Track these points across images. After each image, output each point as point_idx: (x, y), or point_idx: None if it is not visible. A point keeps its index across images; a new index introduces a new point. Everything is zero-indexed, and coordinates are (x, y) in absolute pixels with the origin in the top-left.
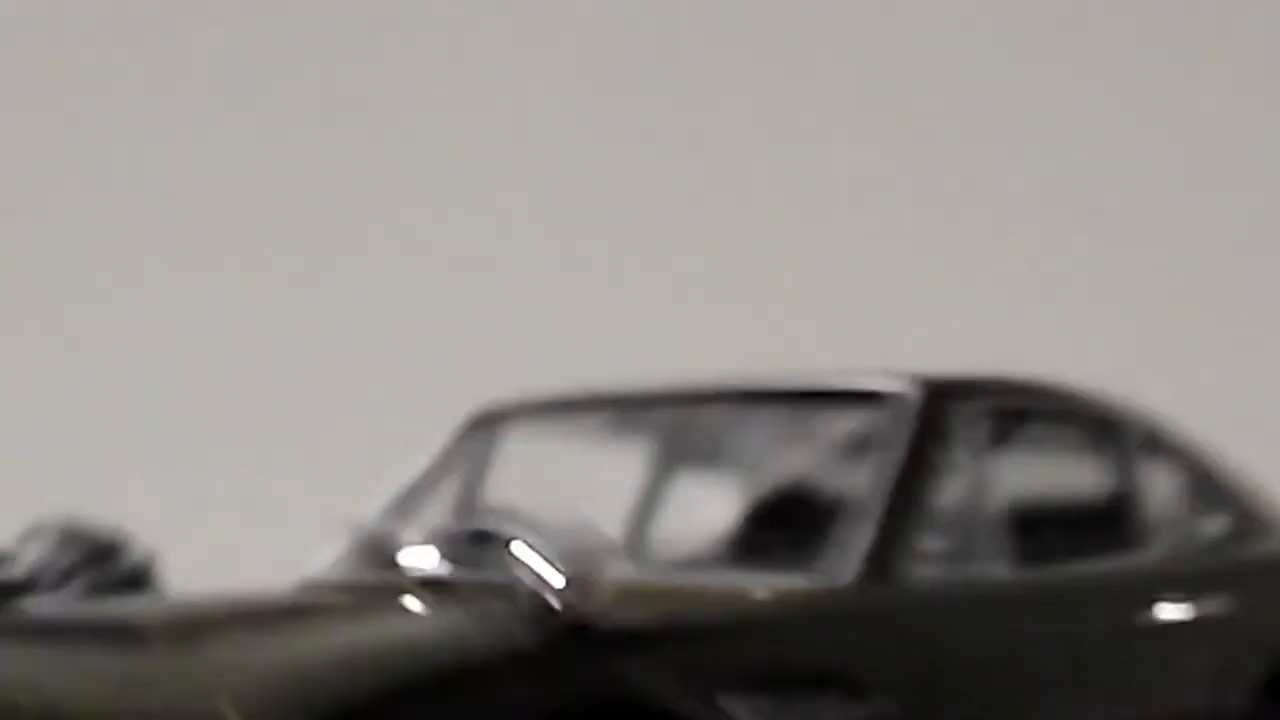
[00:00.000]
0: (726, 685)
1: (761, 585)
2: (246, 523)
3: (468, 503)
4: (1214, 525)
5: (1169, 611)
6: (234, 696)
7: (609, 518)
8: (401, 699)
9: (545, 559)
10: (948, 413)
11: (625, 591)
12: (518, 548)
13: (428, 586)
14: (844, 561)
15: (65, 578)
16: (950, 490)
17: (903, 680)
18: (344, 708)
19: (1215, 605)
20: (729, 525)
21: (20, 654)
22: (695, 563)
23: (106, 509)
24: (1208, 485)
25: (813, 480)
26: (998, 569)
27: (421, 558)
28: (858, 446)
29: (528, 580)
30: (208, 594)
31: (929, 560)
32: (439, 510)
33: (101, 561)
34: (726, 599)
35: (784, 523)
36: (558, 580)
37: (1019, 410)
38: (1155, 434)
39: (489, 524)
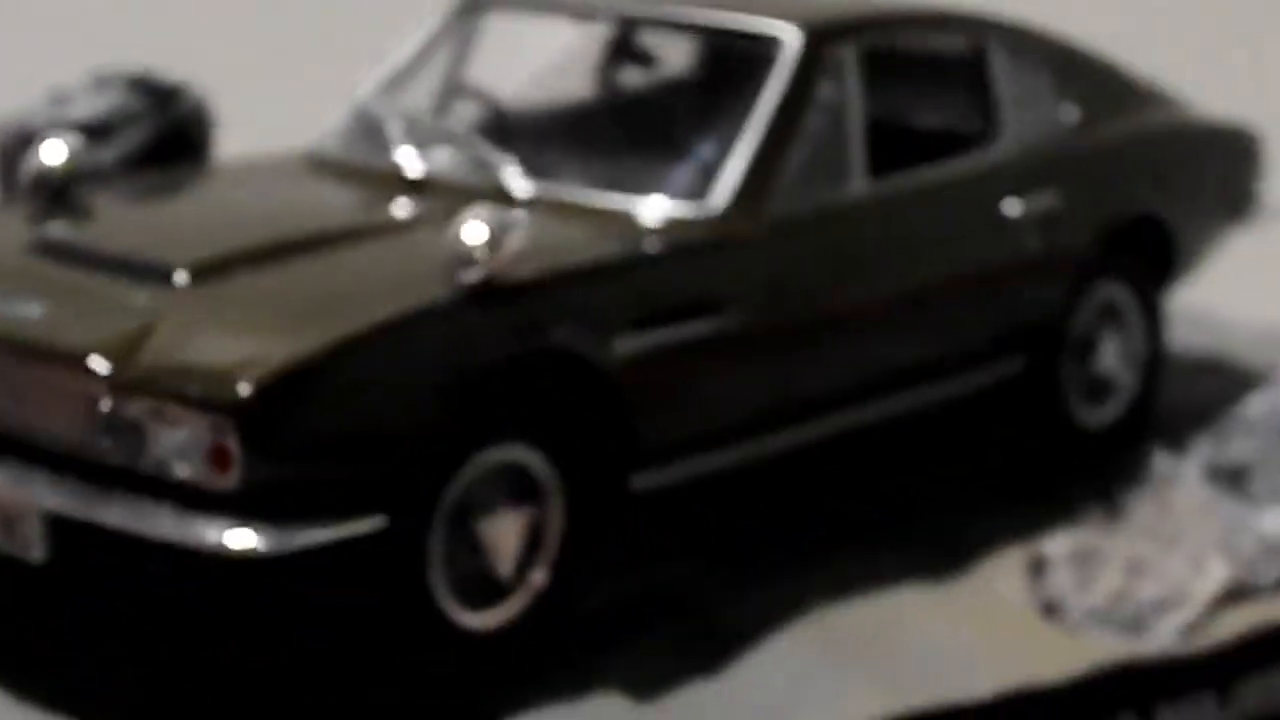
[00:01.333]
0: (615, 324)
1: (647, 214)
2: (277, 83)
3: (452, 84)
4: (1066, 115)
5: (1005, 204)
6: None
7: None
8: (345, 353)
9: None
10: (826, 56)
11: (536, 208)
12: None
13: (412, 187)
14: (718, 190)
15: (133, 121)
16: (820, 119)
17: (753, 295)
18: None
19: (1049, 194)
20: (621, 140)
21: (59, 275)
22: (589, 177)
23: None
24: (1064, 80)
25: (697, 109)
26: (855, 185)
27: (406, 153)
28: (742, 80)
29: (453, 245)
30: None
31: (793, 186)
32: (425, 88)
33: (164, 107)
34: (617, 231)
35: (667, 143)
36: (477, 242)
37: (894, 47)
38: (1020, 39)
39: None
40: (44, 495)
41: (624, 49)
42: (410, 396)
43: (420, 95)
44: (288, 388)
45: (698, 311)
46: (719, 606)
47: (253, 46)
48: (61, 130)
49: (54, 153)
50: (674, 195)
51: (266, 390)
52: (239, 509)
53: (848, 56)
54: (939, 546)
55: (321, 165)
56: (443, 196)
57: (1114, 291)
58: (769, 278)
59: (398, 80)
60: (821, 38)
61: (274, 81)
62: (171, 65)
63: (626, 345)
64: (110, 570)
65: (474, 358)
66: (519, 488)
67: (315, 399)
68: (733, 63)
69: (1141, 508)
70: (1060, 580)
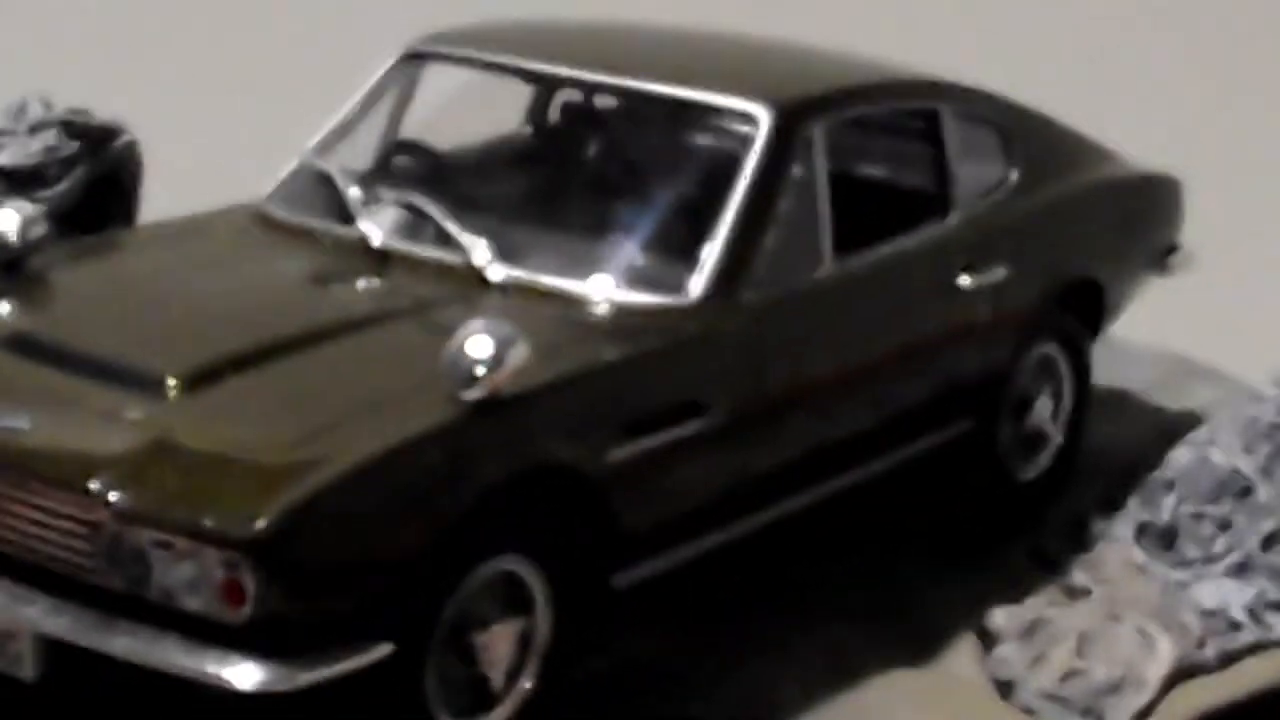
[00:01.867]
0: (606, 433)
1: (624, 303)
2: (214, 127)
3: (388, 138)
4: (1009, 177)
5: (959, 278)
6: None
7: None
8: (356, 481)
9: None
10: (800, 133)
11: (519, 291)
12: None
13: (376, 259)
14: (696, 280)
15: (67, 167)
16: (790, 200)
17: (734, 390)
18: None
19: (999, 266)
20: (592, 221)
21: (38, 379)
22: (564, 262)
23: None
24: (1006, 140)
25: (666, 187)
26: (823, 266)
27: (366, 217)
28: (714, 160)
29: (453, 360)
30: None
31: (766, 271)
32: (364, 145)
33: (98, 150)
34: (599, 328)
35: (639, 225)
36: (479, 358)
37: (860, 118)
38: (967, 100)
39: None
40: (40, 619)
41: (582, 115)
42: (416, 520)
43: (366, 151)
44: (301, 520)
45: (684, 413)
46: (693, 691)
47: (161, 84)
48: (17, 200)
49: (7, 222)
50: (650, 283)
51: (281, 525)
52: (247, 641)
53: (817, 134)
54: (896, 620)
55: (276, 228)
56: (415, 275)
57: (1049, 349)
58: (748, 370)
59: (342, 134)
60: (793, 116)
61: (184, 121)
62: (77, 97)
63: (616, 453)
64: (106, 693)
65: (476, 477)
66: (508, 596)
67: (327, 529)
68: (703, 140)
69: (1078, 570)
70: (1011, 658)
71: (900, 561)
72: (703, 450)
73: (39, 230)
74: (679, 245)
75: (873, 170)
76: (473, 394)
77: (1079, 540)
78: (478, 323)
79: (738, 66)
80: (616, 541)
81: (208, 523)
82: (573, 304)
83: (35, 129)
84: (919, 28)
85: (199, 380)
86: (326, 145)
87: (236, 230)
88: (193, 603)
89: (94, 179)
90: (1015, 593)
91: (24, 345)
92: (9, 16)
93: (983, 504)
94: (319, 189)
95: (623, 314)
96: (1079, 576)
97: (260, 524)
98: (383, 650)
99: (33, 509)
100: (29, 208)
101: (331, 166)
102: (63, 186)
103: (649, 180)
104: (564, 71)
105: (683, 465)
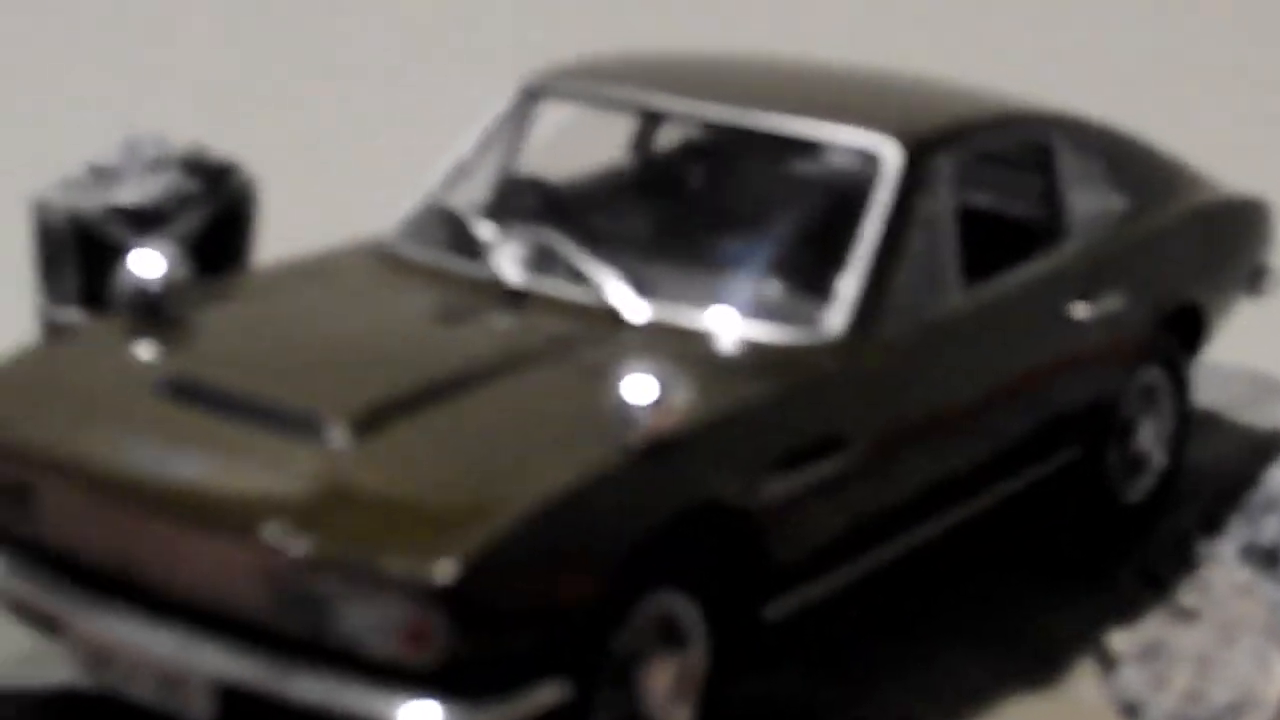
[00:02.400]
0: (760, 470)
1: (766, 344)
2: (331, 166)
3: (506, 174)
4: (1117, 205)
5: (1075, 305)
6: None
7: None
8: (537, 524)
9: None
10: (929, 166)
11: (656, 329)
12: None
13: (509, 297)
14: (833, 316)
15: (188, 205)
16: (920, 232)
17: (874, 423)
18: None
19: (1115, 294)
20: (723, 257)
21: (198, 423)
22: (699, 299)
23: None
24: (1112, 169)
25: (796, 223)
26: (952, 295)
27: (501, 256)
28: (843, 193)
29: (618, 402)
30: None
31: (901, 304)
32: (484, 181)
33: (217, 188)
34: (745, 367)
35: (772, 261)
36: (644, 400)
37: (984, 149)
38: (1077, 130)
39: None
40: (218, 663)
41: (701, 149)
42: (589, 560)
43: (484, 187)
44: (488, 564)
45: (828, 448)
46: (834, 716)
47: (264, 120)
48: (160, 241)
49: (149, 266)
50: (788, 320)
51: (469, 569)
52: (427, 684)
53: (944, 166)
54: (1015, 645)
55: (405, 267)
56: (550, 313)
57: (1153, 374)
58: (885, 404)
59: (464, 170)
60: (923, 149)
61: (286, 157)
62: (187, 135)
63: (769, 489)
64: None
65: (643, 515)
66: (665, 632)
67: (510, 571)
68: (829, 174)
69: (1186, 592)
70: (1134, 681)
71: (1012, 586)
72: (844, 484)
73: (182, 273)
74: (813, 280)
75: (988, 200)
76: (638, 435)
77: (1185, 561)
78: (640, 364)
79: (859, 99)
80: (768, 575)
81: (395, 568)
82: (711, 341)
83: (154, 167)
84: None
85: (365, 424)
86: (449, 182)
87: (366, 269)
88: (376, 648)
89: (215, 217)
90: (1127, 614)
91: (180, 389)
92: (106, 55)
93: (1090, 527)
94: (445, 226)
95: (762, 351)
96: (1188, 598)
97: (449, 569)
98: (559, 691)
99: (206, 555)
100: (171, 249)
101: (457, 204)
102: (184, 225)
103: (776, 214)
104: (688, 108)
105: (826, 499)
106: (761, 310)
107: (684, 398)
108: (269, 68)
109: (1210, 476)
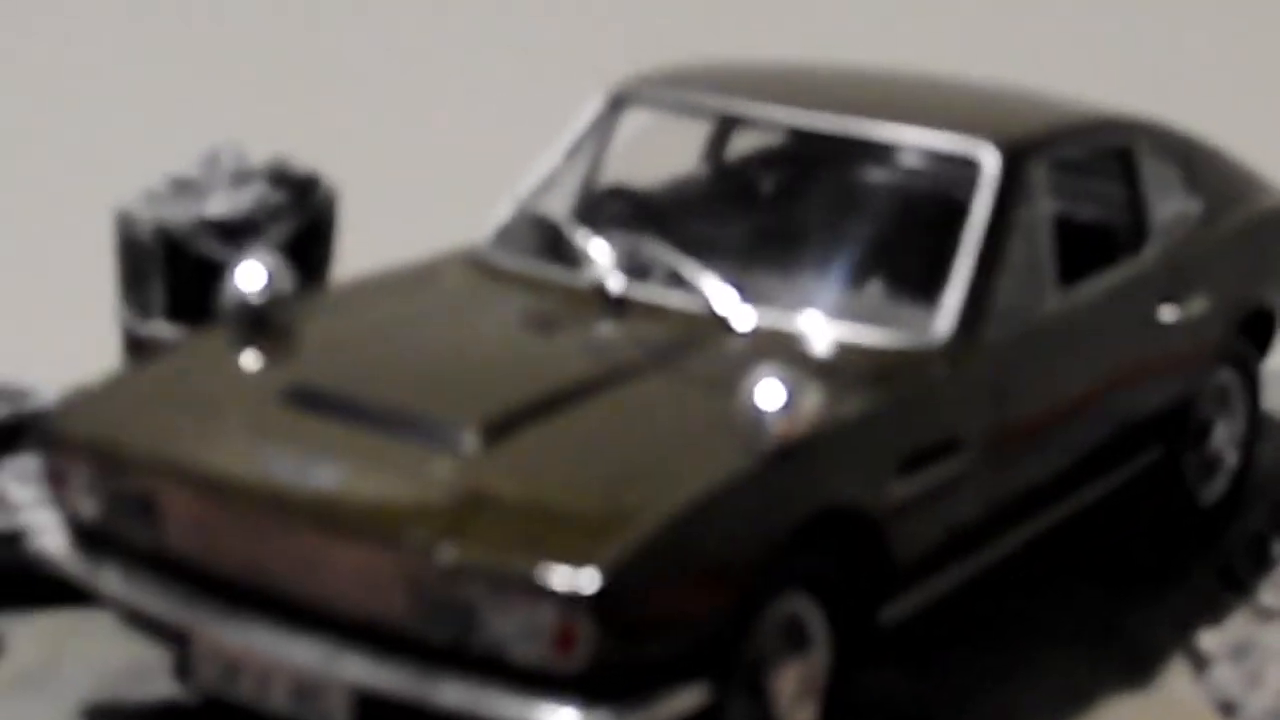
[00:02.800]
0: (884, 474)
1: (875, 350)
2: (413, 177)
3: (593, 182)
4: (1194, 209)
5: (1162, 307)
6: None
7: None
8: (677, 530)
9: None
10: (1026, 173)
11: (762, 336)
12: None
13: (612, 304)
14: (941, 320)
15: (276, 216)
16: (1019, 236)
17: (984, 424)
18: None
19: (1199, 297)
20: (823, 263)
21: (327, 431)
22: (803, 306)
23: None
24: (1188, 174)
25: (899, 228)
26: (1049, 297)
27: (601, 263)
28: (940, 199)
29: (748, 407)
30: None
31: (1003, 306)
32: (571, 189)
33: (303, 199)
34: (859, 373)
35: (874, 267)
36: (775, 405)
37: (1072, 156)
38: (1156, 136)
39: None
40: (360, 673)
41: (790, 156)
42: (727, 565)
43: (570, 195)
44: (634, 568)
45: (946, 450)
46: (950, 716)
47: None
48: (258, 251)
49: (253, 277)
50: (895, 326)
51: (617, 573)
52: (570, 689)
53: (1038, 171)
54: (1108, 646)
55: (502, 276)
56: (653, 320)
57: (1227, 376)
58: (993, 406)
59: (552, 178)
60: (1019, 154)
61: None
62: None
63: (893, 491)
64: None
65: (777, 520)
66: (793, 634)
67: (654, 576)
68: (924, 180)
69: (1266, 591)
70: (1228, 678)
71: (1095, 590)
72: (959, 486)
73: (284, 282)
74: (917, 285)
75: (1074, 206)
76: (771, 440)
77: (1261, 561)
78: (769, 369)
79: (950, 106)
80: (886, 578)
81: (544, 574)
82: (818, 346)
83: (238, 179)
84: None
85: (498, 431)
86: (538, 190)
87: (464, 278)
88: (522, 653)
89: (299, 229)
90: (1210, 614)
91: (304, 397)
92: (182, 64)
93: (1165, 530)
94: (538, 233)
95: (871, 356)
96: (1267, 597)
97: (597, 573)
98: (698, 695)
99: (345, 563)
100: (273, 261)
101: (548, 211)
102: (272, 237)
103: (873, 221)
104: (781, 115)
105: (942, 502)
106: (865, 315)
107: (814, 402)
108: (341, 76)
109: (1277, 478)
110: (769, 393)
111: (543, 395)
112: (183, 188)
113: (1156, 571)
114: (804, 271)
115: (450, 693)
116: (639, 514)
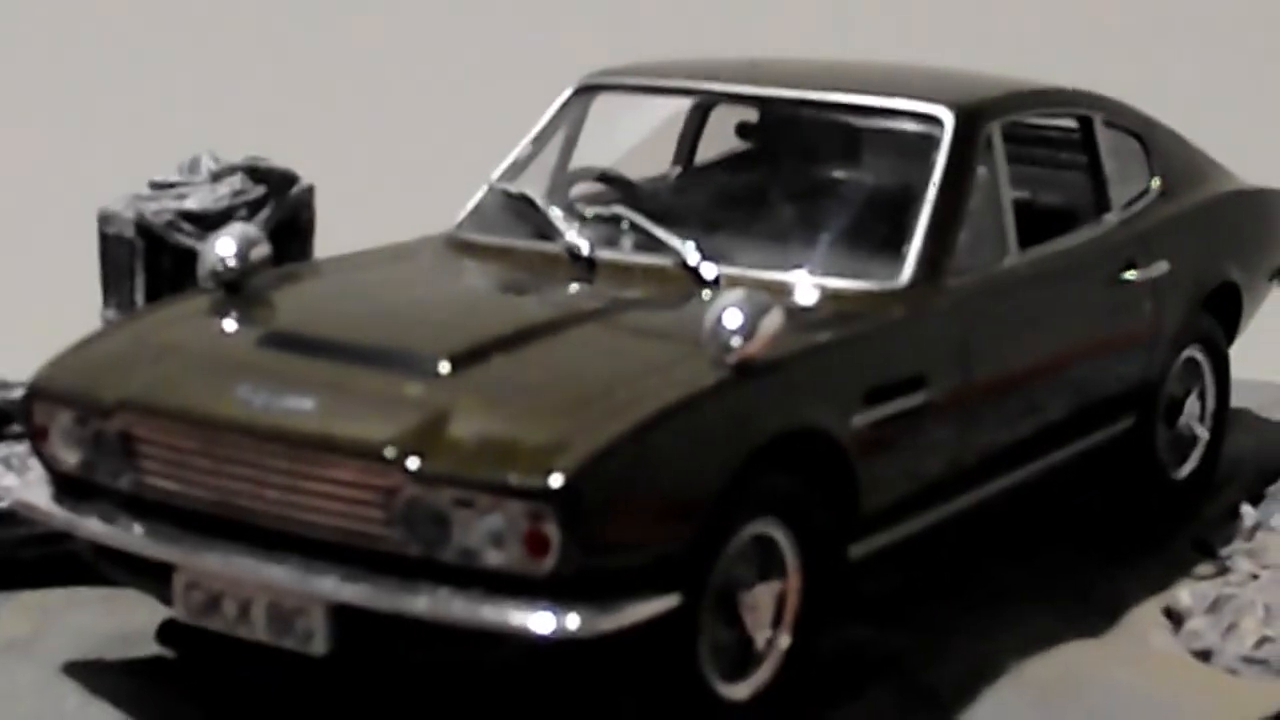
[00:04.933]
0: (851, 400)
1: (841, 292)
2: (386, 169)
3: (564, 167)
4: (1153, 185)
5: (1125, 273)
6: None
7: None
8: (643, 435)
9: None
10: (981, 132)
11: (732, 285)
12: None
13: (583, 263)
14: (904, 267)
15: (253, 209)
16: (977, 194)
17: (947, 366)
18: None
19: (1160, 263)
20: (792, 221)
21: (305, 367)
22: (771, 257)
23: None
24: (1146, 151)
25: (861, 186)
26: (1010, 257)
27: (571, 230)
28: (902, 160)
29: (710, 330)
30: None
31: (962, 260)
32: (542, 174)
33: (280, 194)
34: (824, 312)
35: (836, 221)
36: (734, 326)
37: (1032, 122)
38: (1113, 111)
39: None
40: (336, 589)
41: (756, 130)
42: (696, 476)
43: (542, 179)
44: (600, 470)
45: (911, 386)
46: (922, 665)
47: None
48: (237, 225)
49: (228, 245)
50: (859, 273)
51: (583, 474)
52: (548, 593)
53: (995, 133)
54: (1083, 602)
55: (476, 249)
56: (628, 278)
57: (1194, 351)
58: (956, 349)
59: (522, 165)
60: (974, 116)
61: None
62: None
63: (859, 420)
64: (397, 662)
65: (748, 436)
66: (764, 559)
67: (622, 480)
68: (885, 144)
69: (1241, 559)
70: (1204, 629)
71: (1072, 552)
72: (926, 423)
73: (261, 251)
74: (881, 238)
75: (1037, 190)
76: (734, 356)
77: (1236, 531)
78: (734, 293)
79: (908, 80)
80: (855, 513)
81: (512, 478)
82: (788, 294)
83: (217, 176)
84: None
85: (468, 359)
86: (508, 175)
87: (437, 252)
88: (495, 558)
89: (276, 222)
90: (1186, 578)
91: (281, 340)
92: (149, 72)
93: (1143, 500)
94: (509, 213)
95: (838, 299)
96: (1244, 564)
97: (562, 475)
98: (670, 601)
99: (322, 483)
100: (250, 230)
101: (524, 191)
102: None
103: (841, 183)
104: (749, 90)
105: (910, 437)
106: (835, 266)
107: (774, 324)
108: (312, 77)
109: (1251, 461)
110: (729, 315)
111: (511, 330)
112: (163, 189)
113: (1133, 540)
114: (772, 230)
115: (426, 602)
116: (603, 425)
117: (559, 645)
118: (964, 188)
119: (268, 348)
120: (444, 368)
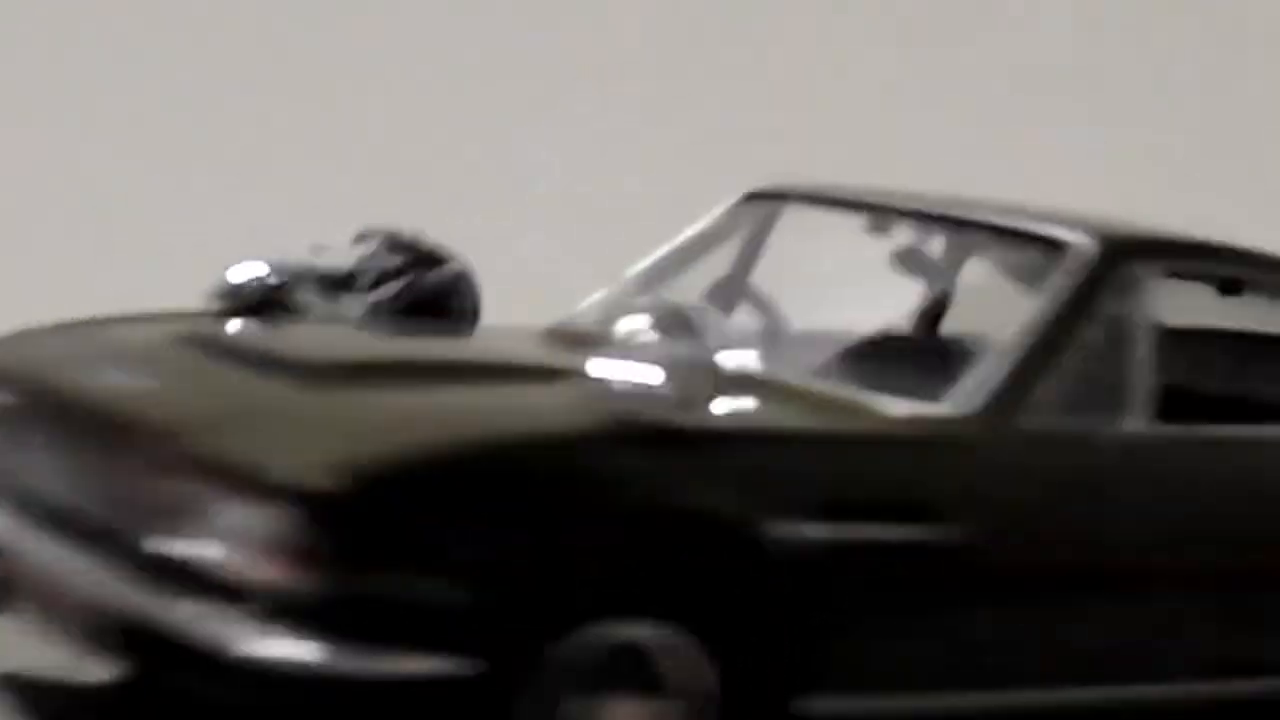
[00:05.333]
0: (798, 502)
1: (883, 408)
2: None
3: (737, 277)
4: None
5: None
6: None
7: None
8: (453, 462)
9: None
10: (1122, 269)
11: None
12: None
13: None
14: (967, 394)
15: (383, 279)
16: (1103, 344)
17: (984, 511)
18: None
19: None
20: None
21: (186, 364)
22: (842, 372)
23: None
24: None
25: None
26: (1132, 420)
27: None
28: (1027, 290)
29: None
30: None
31: (1057, 403)
32: (700, 280)
33: (422, 270)
34: (844, 416)
35: (935, 351)
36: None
37: (1192, 273)
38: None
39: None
40: (97, 587)
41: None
42: (524, 528)
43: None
44: (385, 481)
45: (910, 514)
46: None
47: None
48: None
49: (244, 273)
50: (904, 391)
51: (362, 480)
52: (303, 617)
53: (1142, 275)
54: None
55: (556, 335)
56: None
57: None
58: (1012, 497)
59: (665, 267)
60: (1115, 250)
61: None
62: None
63: (811, 530)
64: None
65: (603, 504)
66: (637, 669)
67: (407, 502)
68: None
69: None
70: None
71: None
72: (933, 572)
73: (273, 280)
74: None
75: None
76: (621, 408)
77: None
78: (651, 352)
79: (1061, 215)
80: (807, 652)
81: (277, 474)
82: (826, 404)
83: (360, 238)
84: None
85: (332, 373)
86: (645, 275)
87: (509, 331)
88: (247, 566)
89: (416, 299)
90: None
91: (197, 342)
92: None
93: None
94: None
95: (876, 414)
96: None
97: (335, 477)
98: (464, 666)
99: (111, 463)
100: (276, 263)
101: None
102: (375, 296)
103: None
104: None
105: (904, 583)
106: (883, 382)
107: (696, 389)
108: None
109: None
110: (645, 373)
111: (409, 361)
112: (317, 251)
113: None
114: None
115: (154, 611)
116: (426, 439)
117: (324, 681)
118: (1077, 322)
119: (178, 345)
120: (304, 375)
